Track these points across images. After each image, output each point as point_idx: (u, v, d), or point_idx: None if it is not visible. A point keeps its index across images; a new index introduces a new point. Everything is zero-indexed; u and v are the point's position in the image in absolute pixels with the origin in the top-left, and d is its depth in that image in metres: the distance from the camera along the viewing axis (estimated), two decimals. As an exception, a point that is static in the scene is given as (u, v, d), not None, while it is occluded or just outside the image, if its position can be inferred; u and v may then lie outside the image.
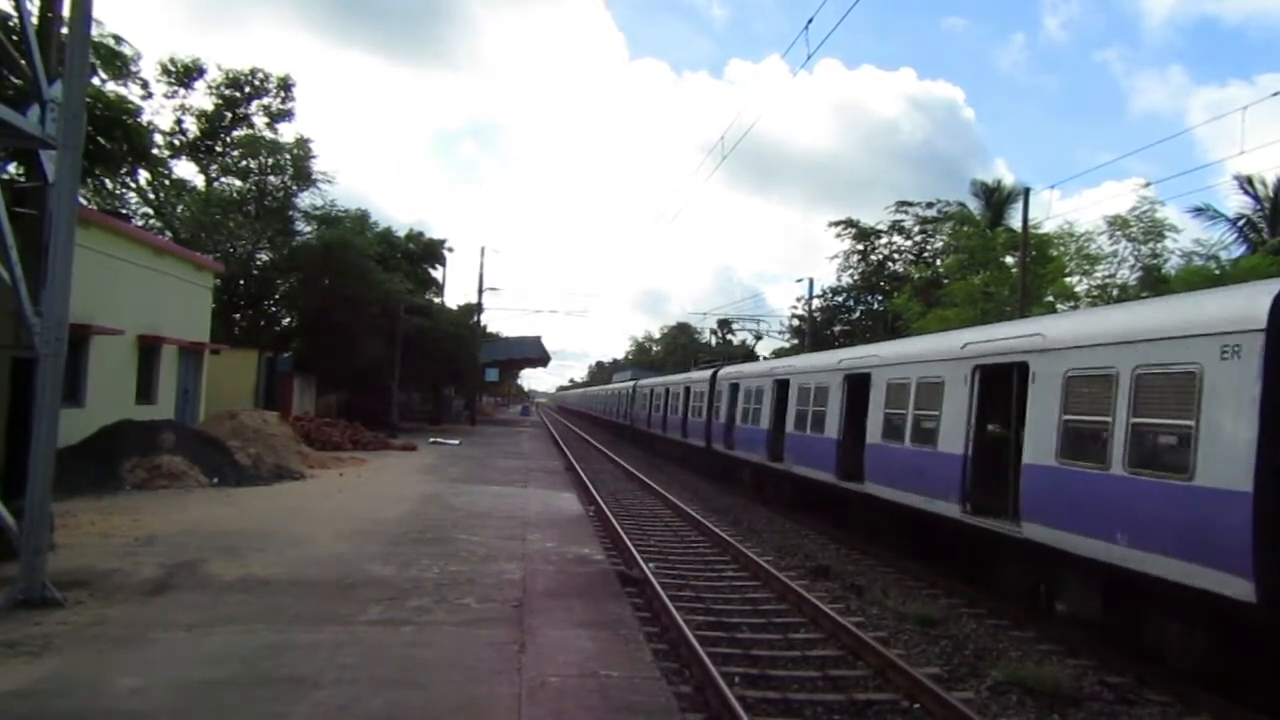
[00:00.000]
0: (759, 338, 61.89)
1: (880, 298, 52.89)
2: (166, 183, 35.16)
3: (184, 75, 35.57)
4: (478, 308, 52.49)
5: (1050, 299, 31.78)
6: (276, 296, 37.14)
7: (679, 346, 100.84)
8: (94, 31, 12.50)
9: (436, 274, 50.85)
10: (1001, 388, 11.55)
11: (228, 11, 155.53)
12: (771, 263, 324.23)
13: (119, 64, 27.63)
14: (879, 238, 54.56)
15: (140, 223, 30.90)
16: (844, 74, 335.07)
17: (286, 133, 37.62)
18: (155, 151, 31.09)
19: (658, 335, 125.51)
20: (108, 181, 30.92)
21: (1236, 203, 35.23)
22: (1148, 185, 45.47)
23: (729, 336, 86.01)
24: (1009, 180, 51.56)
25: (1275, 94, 37.38)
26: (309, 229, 37.03)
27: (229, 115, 36.56)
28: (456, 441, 34.91)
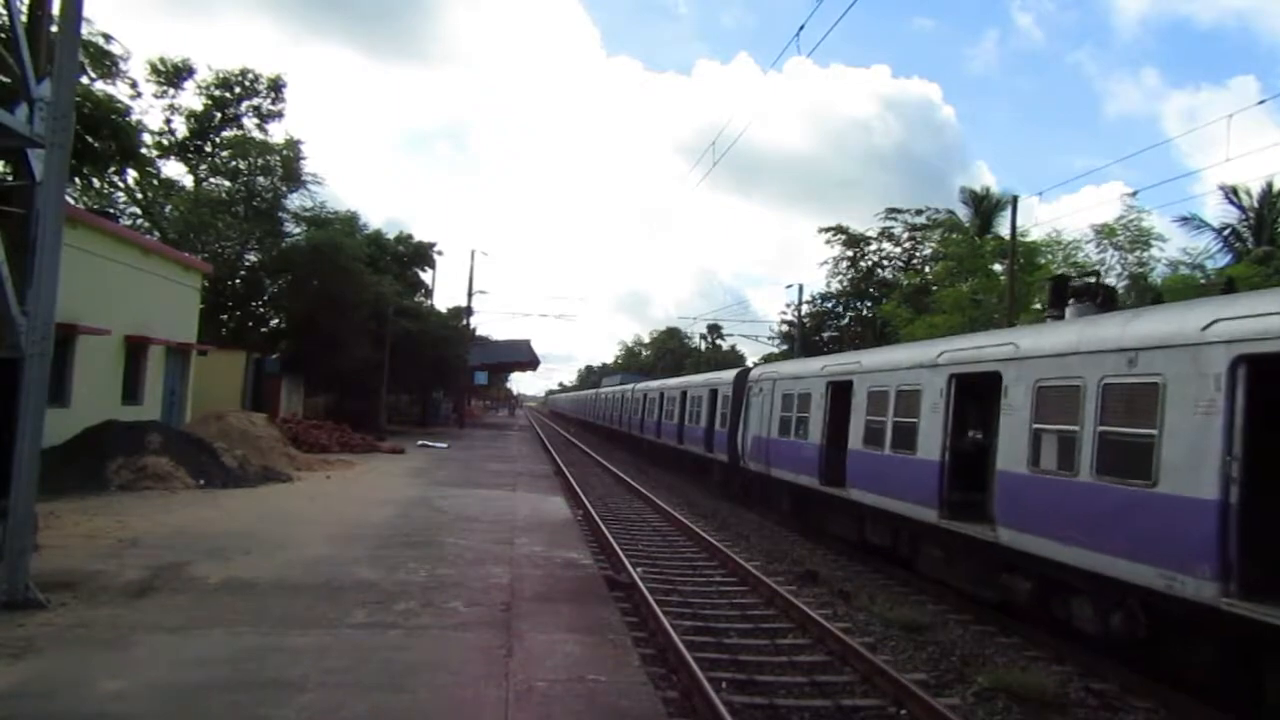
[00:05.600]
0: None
1: (870, 304, 53.11)
2: (155, 182, 34.94)
3: (173, 75, 35.40)
4: (467, 310, 52.42)
5: (1038, 306, 31.99)
6: (265, 298, 36.95)
7: (669, 351, 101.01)
8: (83, 30, 12.44)
9: (425, 277, 50.86)
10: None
11: (197, 0, 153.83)
12: (754, 265, 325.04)
13: (108, 63, 27.54)
14: (868, 244, 54.78)
15: (128, 222, 30.68)
16: (816, 72, 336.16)
17: (276, 133, 37.55)
18: (144, 151, 30.98)
19: (647, 339, 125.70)
20: (95, 181, 30.74)
21: (1219, 210, 35.74)
22: (1134, 194, 45.95)
23: (719, 341, 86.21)
24: (991, 184, 51.98)
25: (1261, 102, 37.82)
26: (298, 230, 36.90)
27: (219, 115, 36.38)
28: (445, 445, 34.80)
